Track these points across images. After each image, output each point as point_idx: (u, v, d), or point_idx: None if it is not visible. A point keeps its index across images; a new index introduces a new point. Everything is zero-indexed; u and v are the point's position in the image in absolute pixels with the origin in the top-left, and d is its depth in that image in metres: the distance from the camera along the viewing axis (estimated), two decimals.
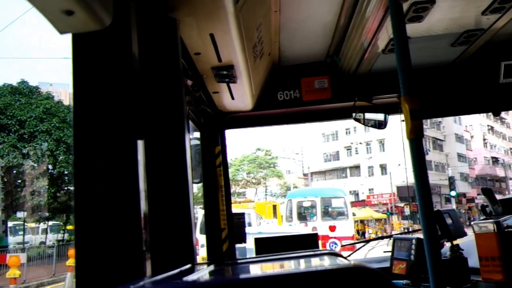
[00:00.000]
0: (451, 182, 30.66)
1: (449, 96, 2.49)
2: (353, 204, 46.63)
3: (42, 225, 28.56)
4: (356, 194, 49.80)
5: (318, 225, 14.07)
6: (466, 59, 2.37)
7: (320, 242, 11.62)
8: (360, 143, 49.57)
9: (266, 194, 48.19)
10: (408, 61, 1.33)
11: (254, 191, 48.08)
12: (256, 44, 1.90)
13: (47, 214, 25.60)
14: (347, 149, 51.94)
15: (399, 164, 40.66)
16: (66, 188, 25.37)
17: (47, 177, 24.16)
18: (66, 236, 26.73)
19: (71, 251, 13.24)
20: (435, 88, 2.46)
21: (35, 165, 24.14)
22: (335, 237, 13.15)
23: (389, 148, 46.39)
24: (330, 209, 15.54)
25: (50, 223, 28.30)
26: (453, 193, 30.29)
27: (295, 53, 2.40)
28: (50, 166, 23.99)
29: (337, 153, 52.58)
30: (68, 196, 25.01)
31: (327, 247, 12.72)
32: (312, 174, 49.50)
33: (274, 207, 26.98)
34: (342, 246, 11.66)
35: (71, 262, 12.45)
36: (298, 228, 13.45)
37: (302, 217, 15.44)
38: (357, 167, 50.68)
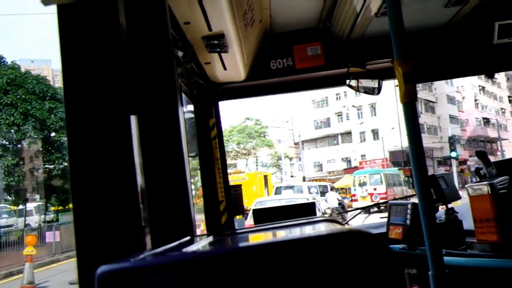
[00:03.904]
0: (452, 142, 28.72)
1: (443, 59, 2.51)
2: (346, 171, 47.33)
3: (21, 207, 27.77)
4: (348, 161, 50.33)
5: (368, 188, 28.91)
6: (460, 21, 2.38)
7: (369, 196, 28.46)
8: (353, 106, 49.45)
9: (257, 165, 48.49)
10: (401, 24, 1.34)
11: (245, 162, 48.32)
12: (247, 11, 1.89)
13: (27, 195, 24.89)
14: (338, 115, 52.07)
15: (392, 128, 41.00)
16: (43, 166, 24.49)
17: (16, 155, 23.09)
18: (50, 218, 25.97)
19: (29, 238, 11.48)
20: (429, 51, 2.48)
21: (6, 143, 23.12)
22: (377, 193, 27.75)
23: (380, 112, 46.61)
24: (373, 180, 29.36)
25: (33, 204, 27.71)
26: (453, 154, 28.55)
27: (287, 19, 2.38)
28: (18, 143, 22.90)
29: (328, 119, 52.69)
30: (47, 175, 24.26)
31: (373, 198, 27.12)
32: (303, 143, 49.76)
33: (266, 177, 27.32)
34: (381, 198, 25.46)
35: (28, 250, 11.01)
36: (358, 191, 29.12)
37: (361, 184, 29.48)
38: (349, 133, 50.99)
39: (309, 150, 52.99)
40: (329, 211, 18.38)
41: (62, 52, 0.90)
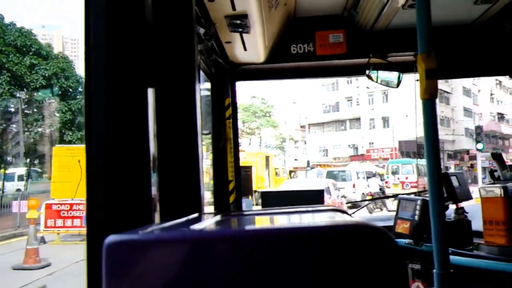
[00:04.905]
0: (478, 133, 25.92)
1: (468, 56, 2.52)
2: (352, 158, 47.15)
3: (12, 171, 26.60)
4: (355, 148, 50.13)
5: (401, 177, 30.01)
6: (488, 19, 2.38)
7: (400, 184, 29.35)
8: (367, 87, 48.38)
9: (260, 145, 48.43)
10: (428, 18, 1.36)
11: (248, 141, 48.24)
12: None
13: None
14: (348, 100, 51.61)
15: (406, 115, 40.45)
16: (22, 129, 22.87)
17: None
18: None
19: None
20: (454, 48, 2.49)
21: None
22: (408, 182, 28.73)
23: (392, 99, 46.05)
24: (405, 170, 30.54)
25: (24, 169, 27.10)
26: (479, 146, 25.54)
27: (312, 4, 2.39)
28: None
29: (337, 104, 52.28)
30: (26, 139, 22.93)
31: (404, 186, 28.03)
32: (309, 126, 49.54)
33: (267, 158, 27.01)
34: (411, 187, 26.35)
35: None
36: (391, 178, 29.83)
37: (393, 173, 30.78)
38: (358, 119, 50.60)
39: (315, 134, 52.80)
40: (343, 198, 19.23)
41: (85, 22, 0.93)
